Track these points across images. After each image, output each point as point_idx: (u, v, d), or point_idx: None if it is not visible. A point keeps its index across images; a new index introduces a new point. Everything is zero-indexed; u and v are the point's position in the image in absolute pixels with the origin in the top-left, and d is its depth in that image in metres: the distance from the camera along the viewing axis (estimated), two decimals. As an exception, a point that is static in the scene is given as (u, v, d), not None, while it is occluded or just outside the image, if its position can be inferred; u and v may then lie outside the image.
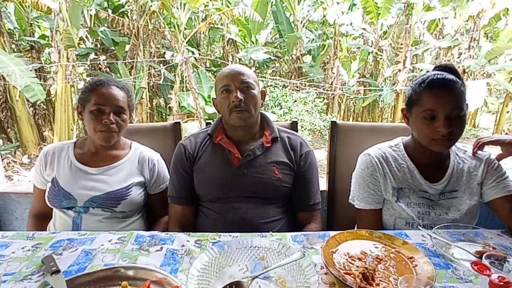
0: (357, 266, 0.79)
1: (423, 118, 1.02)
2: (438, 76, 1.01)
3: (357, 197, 1.18)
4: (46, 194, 1.21)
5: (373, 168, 1.14)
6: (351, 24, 7.24)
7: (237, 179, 1.15)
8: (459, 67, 6.54)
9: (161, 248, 0.90)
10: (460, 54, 6.64)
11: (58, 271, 0.78)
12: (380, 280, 0.75)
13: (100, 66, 6.82)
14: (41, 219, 1.30)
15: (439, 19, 7.15)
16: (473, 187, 1.11)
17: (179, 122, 1.53)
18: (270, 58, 8.43)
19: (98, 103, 1.18)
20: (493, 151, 1.14)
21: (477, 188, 1.11)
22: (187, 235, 0.98)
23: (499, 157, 1.11)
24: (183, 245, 0.91)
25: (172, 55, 6.15)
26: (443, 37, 7.19)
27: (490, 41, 7.93)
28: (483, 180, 1.11)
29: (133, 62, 6.21)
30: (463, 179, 1.11)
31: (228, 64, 7.15)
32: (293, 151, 1.21)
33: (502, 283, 0.55)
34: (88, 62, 6.70)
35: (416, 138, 1.10)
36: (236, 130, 1.19)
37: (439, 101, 0.98)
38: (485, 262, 0.68)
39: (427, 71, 1.09)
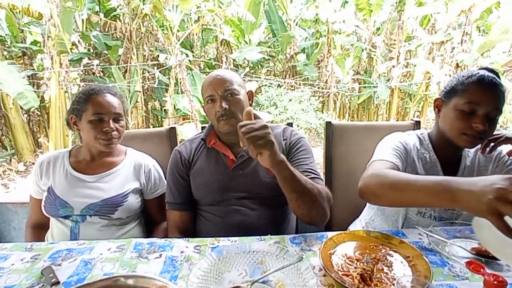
0: (355, 267, 0.80)
1: (461, 110, 1.01)
2: (489, 75, 1.02)
3: (375, 157, 1.09)
4: (43, 203, 1.21)
5: (404, 140, 1.13)
6: (344, 21, 7.24)
7: (233, 181, 1.15)
8: (452, 61, 6.58)
9: (160, 255, 0.91)
10: (453, 48, 6.66)
11: (57, 283, 0.78)
12: (378, 281, 0.76)
13: (93, 71, 6.78)
14: (39, 229, 1.30)
15: (431, 14, 7.17)
16: None
17: (174, 128, 1.53)
18: (264, 57, 8.40)
19: (97, 112, 1.18)
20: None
21: None
22: (186, 241, 0.98)
23: (510, 153, 1.11)
24: (182, 252, 0.92)
25: (166, 58, 6.13)
26: (435, 32, 7.21)
27: (482, 35, 7.98)
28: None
29: (127, 66, 6.17)
30: (475, 173, 1.13)
31: (221, 66, 7.14)
32: (285, 141, 1.21)
33: (496, 282, 0.56)
34: (82, 67, 6.65)
35: (443, 129, 1.09)
36: (228, 135, 1.20)
37: (485, 97, 0.99)
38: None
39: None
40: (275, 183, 1.14)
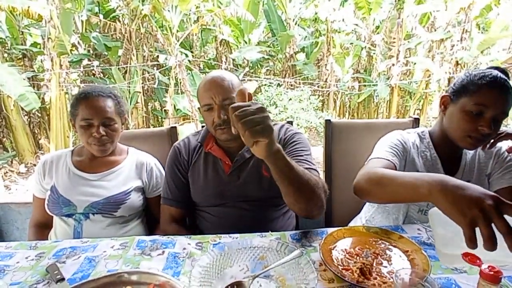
0: (355, 262, 0.82)
1: (468, 111, 1.00)
2: (501, 76, 1.00)
3: (372, 155, 1.09)
4: (46, 202, 1.23)
5: (402, 138, 1.14)
6: (343, 20, 7.25)
7: (230, 186, 1.15)
8: (452, 59, 6.58)
9: (163, 252, 0.92)
10: (452, 46, 6.67)
11: (62, 279, 0.80)
12: (377, 274, 0.77)
13: (93, 72, 6.80)
14: (42, 229, 1.31)
15: (430, 12, 7.17)
16: (482, 179, 1.13)
17: (175, 127, 1.54)
18: (263, 57, 8.42)
19: (85, 118, 1.18)
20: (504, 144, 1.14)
21: (485, 179, 1.13)
22: (188, 238, 0.99)
23: (510, 150, 1.11)
24: (184, 248, 0.93)
25: (166, 58, 6.14)
26: (435, 30, 7.21)
27: (482, 32, 7.97)
28: (491, 171, 1.13)
29: (127, 66, 6.19)
30: (475, 170, 1.14)
31: (221, 66, 7.14)
32: (279, 138, 1.18)
33: (492, 273, 0.57)
34: (82, 69, 6.67)
35: (448, 128, 1.08)
36: (225, 141, 1.17)
37: (495, 100, 0.97)
38: None
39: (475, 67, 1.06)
40: (272, 184, 1.10)
